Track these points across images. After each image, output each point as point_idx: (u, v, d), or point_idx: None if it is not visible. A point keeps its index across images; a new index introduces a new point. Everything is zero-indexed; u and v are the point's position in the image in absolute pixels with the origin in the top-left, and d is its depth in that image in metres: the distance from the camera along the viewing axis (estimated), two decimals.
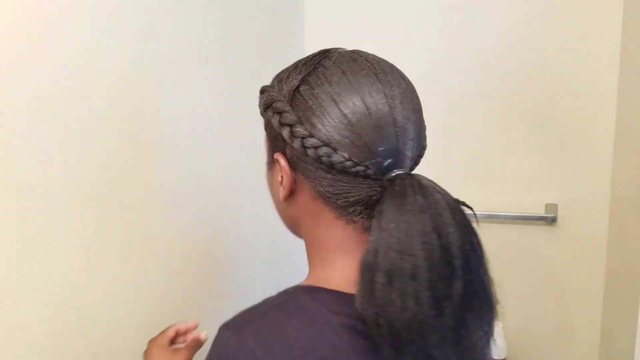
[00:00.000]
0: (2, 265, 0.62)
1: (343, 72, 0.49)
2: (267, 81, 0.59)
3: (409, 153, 0.50)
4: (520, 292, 1.41)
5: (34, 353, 0.67)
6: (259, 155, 0.66)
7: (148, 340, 0.76)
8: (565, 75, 1.29)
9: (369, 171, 0.48)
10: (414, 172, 0.51)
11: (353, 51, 0.54)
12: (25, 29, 0.64)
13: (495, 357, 1.32)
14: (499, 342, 1.32)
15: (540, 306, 1.42)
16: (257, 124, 0.60)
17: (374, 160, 0.48)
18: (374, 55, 0.53)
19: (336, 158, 0.47)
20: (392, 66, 0.53)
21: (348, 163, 0.47)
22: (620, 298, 1.20)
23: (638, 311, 1.00)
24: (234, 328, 0.48)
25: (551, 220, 1.32)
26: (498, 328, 1.32)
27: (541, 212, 1.35)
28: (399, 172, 0.49)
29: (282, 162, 0.53)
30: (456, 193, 0.72)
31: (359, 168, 0.48)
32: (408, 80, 0.53)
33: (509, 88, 1.34)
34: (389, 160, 0.48)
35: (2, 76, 0.61)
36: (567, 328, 1.40)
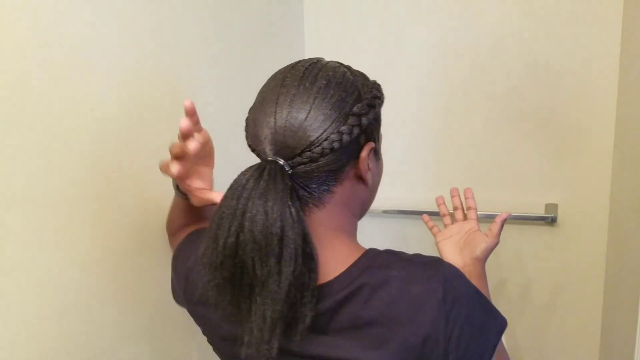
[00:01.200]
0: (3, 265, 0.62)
1: (271, 78, 0.60)
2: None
3: (271, 144, 0.55)
4: (520, 292, 1.42)
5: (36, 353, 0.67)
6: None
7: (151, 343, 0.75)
8: (565, 75, 1.29)
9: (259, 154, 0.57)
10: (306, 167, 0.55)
11: (306, 60, 0.60)
12: (26, 25, 0.64)
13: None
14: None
15: (540, 306, 1.42)
16: None
17: (261, 147, 0.56)
18: (316, 62, 0.59)
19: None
20: (308, 73, 0.57)
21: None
22: (620, 298, 1.20)
23: (638, 311, 1.00)
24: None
25: (551, 220, 1.33)
26: None
27: (541, 212, 1.35)
28: (268, 158, 0.55)
29: None
30: None
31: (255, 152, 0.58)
32: (316, 86, 0.55)
33: (509, 88, 1.34)
34: (269, 147, 0.55)
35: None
36: (567, 328, 1.40)
